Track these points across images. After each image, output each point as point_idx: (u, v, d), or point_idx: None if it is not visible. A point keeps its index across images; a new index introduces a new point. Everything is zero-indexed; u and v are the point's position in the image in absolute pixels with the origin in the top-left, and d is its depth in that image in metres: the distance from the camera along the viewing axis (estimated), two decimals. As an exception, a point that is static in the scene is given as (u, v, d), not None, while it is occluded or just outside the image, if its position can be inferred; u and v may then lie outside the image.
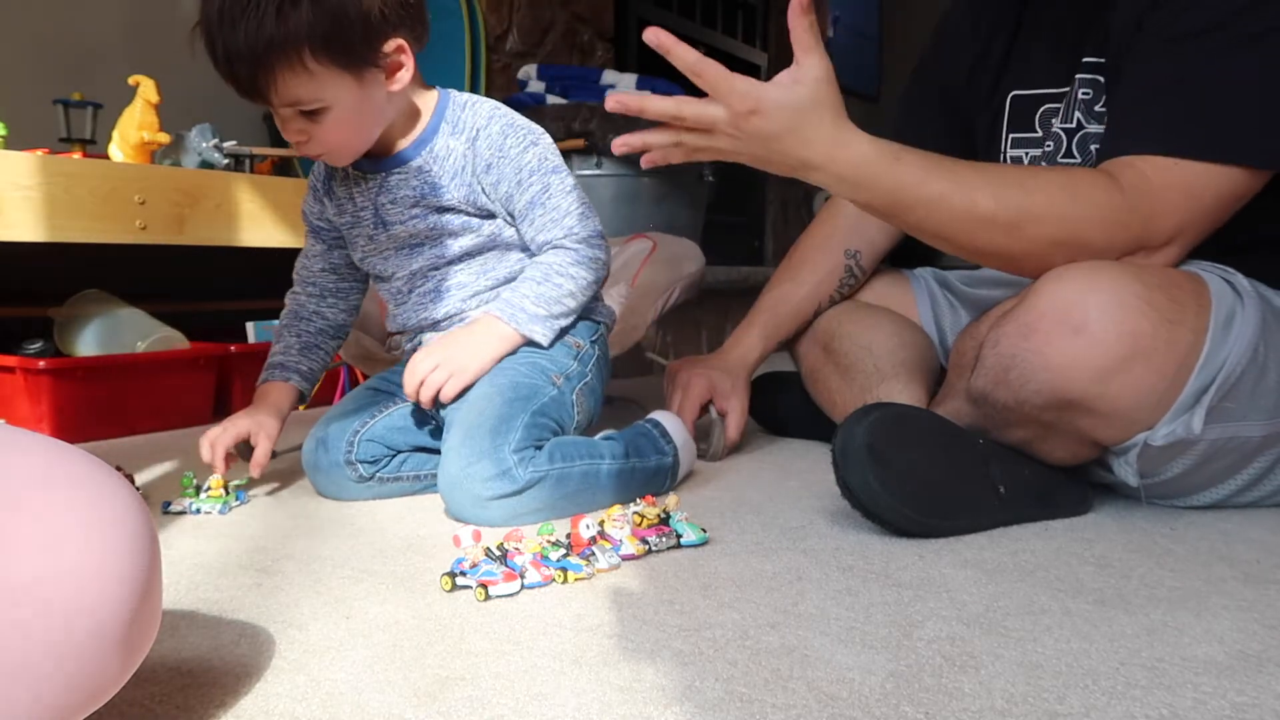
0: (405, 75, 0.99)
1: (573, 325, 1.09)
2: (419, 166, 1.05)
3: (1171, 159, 0.93)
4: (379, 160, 1.06)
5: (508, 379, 1.03)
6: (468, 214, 1.06)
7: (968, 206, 0.93)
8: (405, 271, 1.09)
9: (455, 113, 1.06)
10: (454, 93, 1.08)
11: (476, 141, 1.04)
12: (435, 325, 1.10)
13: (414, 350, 1.13)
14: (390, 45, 0.96)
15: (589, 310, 1.12)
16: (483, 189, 1.05)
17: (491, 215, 1.07)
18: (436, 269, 1.08)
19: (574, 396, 1.06)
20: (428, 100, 1.06)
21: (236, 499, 1.03)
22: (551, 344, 1.07)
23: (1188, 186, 0.93)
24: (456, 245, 1.07)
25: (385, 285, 1.13)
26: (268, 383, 1.11)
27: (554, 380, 1.05)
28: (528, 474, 0.95)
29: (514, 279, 1.08)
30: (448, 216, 1.06)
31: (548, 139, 1.07)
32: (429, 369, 1.02)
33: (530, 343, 1.06)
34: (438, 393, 1.02)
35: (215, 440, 1.06)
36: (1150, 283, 0.91)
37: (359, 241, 1.10)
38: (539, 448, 0.98)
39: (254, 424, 1.07)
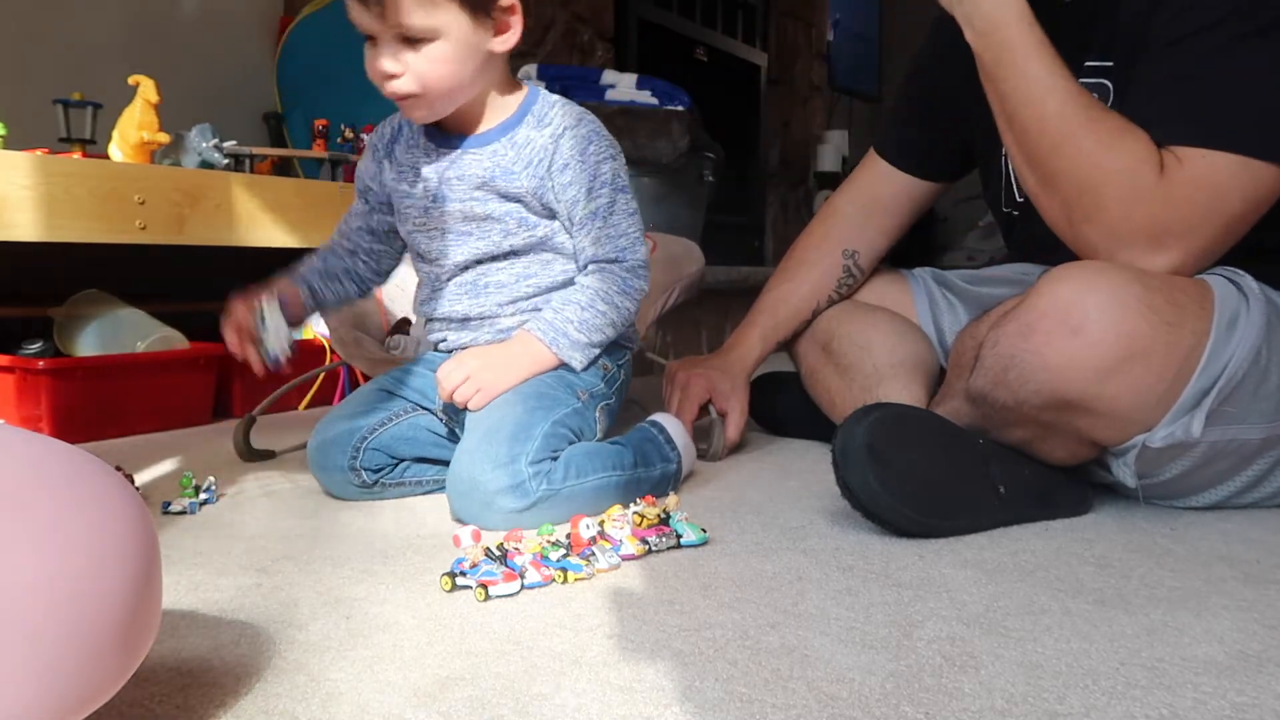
0: (510, 39, 1.00)
1: (605, 350, 1.09)
2: (495, 149, 1.05)
3: (1201, 151, 0.93)
4: (454, 137, 1.06)
5: (532, 387, 1.02)
6: (529, 208, 1.05)
7: (1041, 97, 0.97)
8: (450, 261, 1.07)
9: (543, 109, 1.06)
10: (543, 91, 1.09)
11: (561, 139, 1.04)
12: (465, 321, 1.09)
13: (434, 341, 1.13)
14: (508, 1, 0.98)
15: (620, 334, 1.12)
16: (553, 186, 1.04)
17: (551, 215, 1.06)
18: (480, 262, 1.07)
19: (595, 413, 1.06)
20: (516, 93, 1.07)
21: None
22: (585, 369, 1.06)
23: (1215, 185, 0.93)
24: (507, 240, 1.06)
25: (425, 267, 1.11)
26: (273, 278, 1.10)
27: (579, 395, 1.04)
28: (541, 490, 0.94)
29: (554, 289, 1.07)
30: (509, 206, 1.05)
31: (623, 157, 1.08)
32: (460, 379, 1.01)
33: (563, 365, 1.05)
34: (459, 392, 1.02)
35: (239, 323, 1.05)
36: (1151, 285, 0.91)
37: (410, 214, 1.09)
38: (555, 458, 0.97)
39: (263, 292, 1.06)
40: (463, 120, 1.05)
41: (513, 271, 1.07)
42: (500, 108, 1.06)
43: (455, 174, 1.05)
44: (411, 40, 0.95)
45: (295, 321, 1.10)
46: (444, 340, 1.12)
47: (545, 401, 1.01)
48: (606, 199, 1.04)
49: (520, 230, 1.05)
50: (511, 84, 1.07)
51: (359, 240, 1.15)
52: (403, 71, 0.96)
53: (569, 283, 1.08)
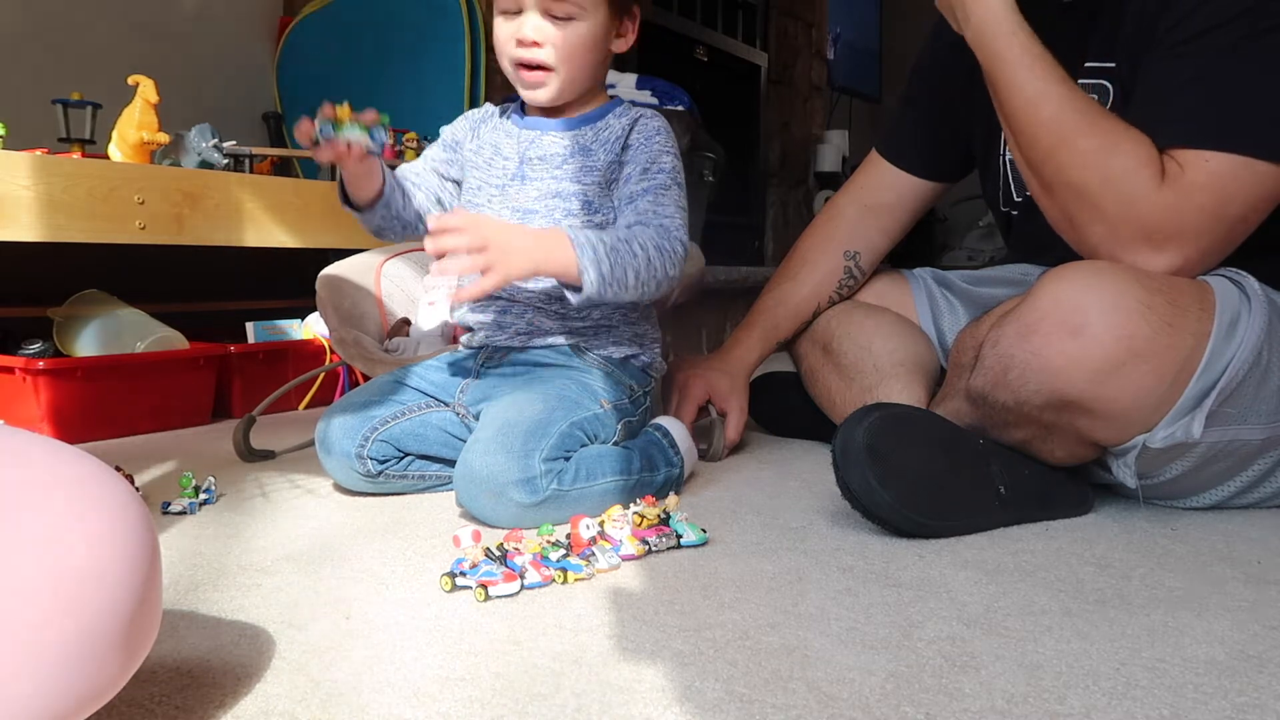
0: (625, 44, 1.09)
1: (623, 364, 1.10)
2: (578, 134, 1.10)
3: (1203, 153, 0.93)
4: (542, 120, 1.11)
5: (555, 390, 1.03)
6: (600, 188, 1.09)
7: (1034, 103, 0.99)
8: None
9: (625, 108, 1.13)
10: (626, 100, 1.16)
11: (636, 125, 1.10)
12: (510, 303, 1.09)
13: (460, 323, 1.14)
14: (636, 9, 1.08)
15: (647, 364, 1.14)
16: (618, 163, 1.09)
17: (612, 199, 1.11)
18: None
19: (618, 425, 1.06)
20: (604, 98, 1.15)
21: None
22: (582, 308, 1.02)
23: (1218, 186, 0.93)
24: (567, 221, 1.08)
25: None
26: None
27: (601, 404, 1.05)
28: (551, 488, 0.94)
29: None
30: (579, 187, 1.08)
31: (682, 166, 1.14)
32: (476, 243, 0.91)
33: (569, 288, 0.97)
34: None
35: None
36: (1152, 286, 0.91)
37: (483, 188, 1.11)
38: (568, 458, 0.98)
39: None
40: (559, 109, 1.11)
41: None
42: (592, 104, 1.12)
43: (537, 154, 1.10)
44: (555, 17, 1.02)
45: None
46: (472, 334, 1.12)
47: (566, 403, 1.01)
48: (661, 182, 1.08)
49: (583, 213, 1.08)
50: (603, 89, 1.15)
51: (424, 179, 1.14)
52: (544, 43, 1.02)
53: None
